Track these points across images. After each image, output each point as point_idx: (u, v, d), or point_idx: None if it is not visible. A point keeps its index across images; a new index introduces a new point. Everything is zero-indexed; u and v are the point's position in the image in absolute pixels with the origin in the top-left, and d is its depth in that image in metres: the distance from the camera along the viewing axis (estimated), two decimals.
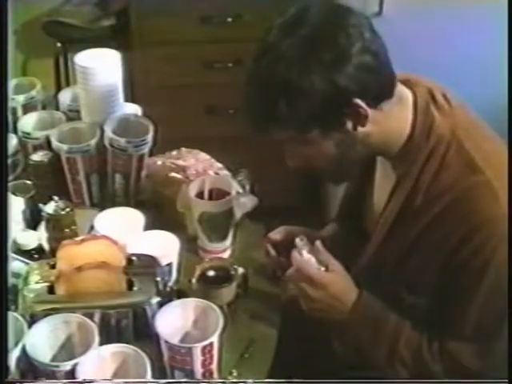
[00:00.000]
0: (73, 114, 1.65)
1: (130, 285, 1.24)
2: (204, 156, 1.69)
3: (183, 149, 1.71)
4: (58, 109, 1.69)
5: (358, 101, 1.16)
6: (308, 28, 1.15)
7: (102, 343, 1.16)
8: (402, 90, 1.25)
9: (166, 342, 1.16)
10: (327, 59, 1.13)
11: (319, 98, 1.14)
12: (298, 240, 1.30)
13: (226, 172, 1.64)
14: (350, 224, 1.50)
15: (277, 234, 1.47)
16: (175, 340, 1.19)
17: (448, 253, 1.22)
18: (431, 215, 1.23)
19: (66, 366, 1.13)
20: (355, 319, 1.30)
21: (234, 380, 1.25)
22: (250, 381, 1.13)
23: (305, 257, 1.29)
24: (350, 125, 1.19)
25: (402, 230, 1.28)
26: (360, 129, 1.20)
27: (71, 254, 1.26)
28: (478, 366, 1.26)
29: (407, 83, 1.27)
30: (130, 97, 1.77)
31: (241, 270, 1.40)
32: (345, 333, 1.33)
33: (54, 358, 1.18)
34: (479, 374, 1.26)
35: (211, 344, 1.17)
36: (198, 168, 1.64)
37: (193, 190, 1.52)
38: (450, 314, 1.26)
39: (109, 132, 1.51)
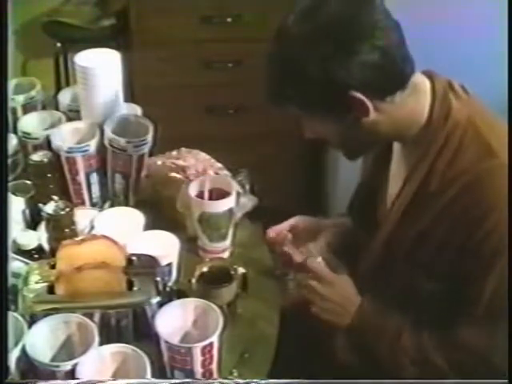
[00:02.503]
0: (73, 114, 1.65)
1: (130, 285, 1.24)
2: (204, 156, 1.69)
3: (183, 149, 1.71)
4: (57, 109, 1.68)
5: (358, 94, 1.18)
6: (323, 17, 1.18)
7: (101, 343, 1.16)
8: (419, 79, 1.27)
9: (166, 341, 1.16)
10: (332, 51, 1.16)
11: (320, 86, 1.18)
12: (311, 245, 1.41)
13: (225, 172, 1.64)
14: (362, 216, 1.51)
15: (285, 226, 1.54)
16: (175, 340, 1.19)
17: (463, 236, 1.23)
18: (446, 199, 1.25)
19: (66, 365, 1.12)
20: (358, 324, 1.34)
21: (238, 380, 1.25)
22: (254, 381, 1.13)
23: (317, 259, 1.38)
24: (352, 115, 1.22)
25: (417, 215, 1.30)
26: (365, 119, 1.22)
27: (71, 253, 1.26)
28: (483, 349, 1.26)
29: (426, 73, 1.29)
30: (130, 97, 1.77)
31: (241, 270, 1.40)
32: (350, 334, 1.37)
33: (54, 358, 1.18)
34: (483, 359, 1.27)
35: (211, 344, 1.17)
36: (198, 168, 1.64)
37: (193, 189, 1.52)
38: (464, 297, 1.27)
39: (109, 132, 1.51)
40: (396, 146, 1.38)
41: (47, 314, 1.20)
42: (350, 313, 1.35)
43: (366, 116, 1.22)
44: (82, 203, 1.57)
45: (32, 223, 1.49)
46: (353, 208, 1.58)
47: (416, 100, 1.26)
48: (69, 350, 1.19)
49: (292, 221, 1.55)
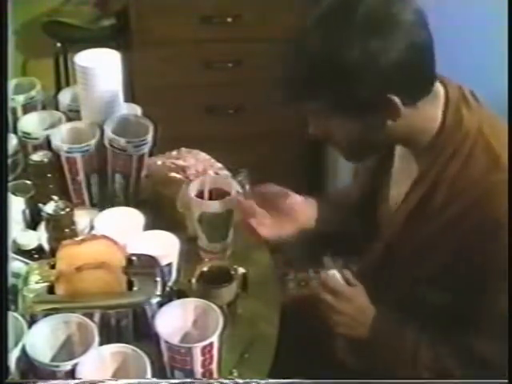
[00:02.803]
0: (73, 114, 1.65)
1: (130, 285, 1.24)
2: (204, 156, 1.69)
3: (183, 149, 1.71)
4: (57, 109, 1.68)
5: (394, 98, 1.17)
6: (358, 14, 1.15)
7: (102, 343, 1.16)
8: (436, 85, 1.26)
9: (166, 342, 1.16)
10: (371, 49, 1.13)
11: (356, 85, 1.15)
12: (325, 258, 1.36)
13: (225, 172, 1.64)
14: (362, 215, 1.50)
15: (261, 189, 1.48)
16: (175, 340, 1.19)
17: (472, 250, 1.21)
18: (454, 211, 1.23)
19: (66, 365, 1.12)
20: (376, 334, 1.32)
21: (238, 380, 1.25)
22: (254, 381, 1.13)
23: (330, 272, 1.33)
24: (380, 116, 1.20)
25: (421, 223, 1.28)
26: (389, 122, 1.21)
27: (71, 253, 1.26)
28: (496, 356, 1.24)
29: (439, 79, 1.27)
30: (130, 97, 1.77)
31: (241, 270, 1.40)
32: (367, 349, 1.35)
33: (54, 358, 1.18)
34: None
35: (211, 344, 1.17)
36: (198, 168, 1.64)
37: (193, 189, 1.51)
38: (473, 311, 1.25)
39: (109, 132, 1.51)
40: (399, 149, 1.37)
41: (47, 313, 1.20)
42: (365, 325, 1.32)
43: (393, 120, 1.20)
44: (82, 203, 1.57)
45: (32, 223, 1.49)
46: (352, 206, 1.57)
47: (432, 106, 1.25)
48: (69, 350, 1.19)
49: (262, 188, 1.49)
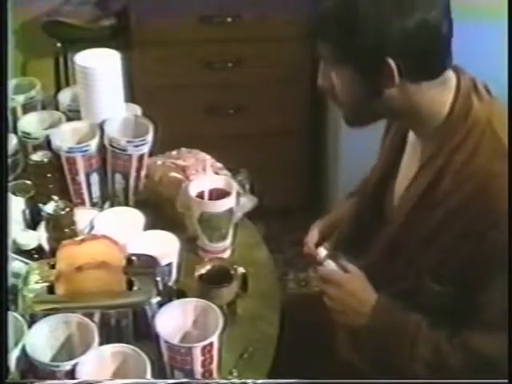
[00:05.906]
0: (73, 114, 1.65)
1: (130, 285, 1.24)
2: (204, 156, 1.69)
3: (183, 149, 1.71)
4: (57, 109, 1.69)
5: (391, 62, 1.20)
6: None
7: (101, 343, 1.16)
8: (447, 73, 1.27)
9: (166, 341, 1.16)
10: (384, 10, 1.18)
11: (362, 38, 1.19)
12: (321, 248, 1.42)
13: (225, 172, 1.64)
14: (369, 204, 1.50)
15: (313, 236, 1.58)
16: (175, 340, 1.19)
17: (474, 239, 1.22)
18: (459, 199, 1.24)
19: (66, 366, 1.12)
20: (376, 324, 1.31)
21: (235, 380, 1.25)
22: (250, 381, 1.13)
23: (326, 262, 1.38)
24: (376, 79, 1.23)
25: (427, 212, 1.28)
26: (386, 89, 1.24)
27: (71, 253, 1.26)
28: (499, 353, 1.22)
29: (453, 68, 1.29)
30: (130, 97, 1.77)
31: (241, 270, 1.40)
32: (367, 340, 1.34)
33: (54, 358, 1.18)
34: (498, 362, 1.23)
35: (211, 344, 1.17)
36: (198, 168, 1.64)
37: (193, 190, 1.52)
38: (475, 302, 1.25)
39: (109, 132, 1.51)
40: (411, 138, 1.38)
41: (47, 314, 1.20)
42: (364, 312, 1.32)
43: (389, 87, 1.23)
44: (82, 203, 1.57)
45: (32, 223, 1.49)
46: (366, 188, 1.57)
47: (440, 92, 1.27)
48: (69, 350, 1.19)
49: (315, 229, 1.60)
